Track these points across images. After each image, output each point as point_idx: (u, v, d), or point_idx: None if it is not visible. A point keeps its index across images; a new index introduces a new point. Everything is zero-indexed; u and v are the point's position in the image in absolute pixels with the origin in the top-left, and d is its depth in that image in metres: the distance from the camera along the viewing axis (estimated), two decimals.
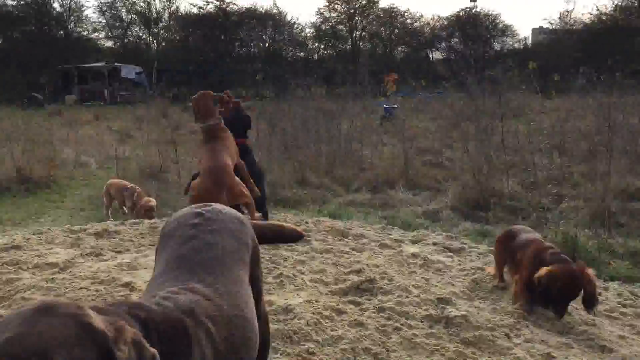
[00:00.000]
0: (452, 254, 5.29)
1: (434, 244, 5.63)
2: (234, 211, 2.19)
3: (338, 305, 3.62)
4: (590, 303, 3.67)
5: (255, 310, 1.81)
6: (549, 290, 3.60)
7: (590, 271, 3.77)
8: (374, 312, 3.57)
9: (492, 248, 4.95)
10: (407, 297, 3.79)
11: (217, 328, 1.48)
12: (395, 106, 18.20)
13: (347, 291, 3.95)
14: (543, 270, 3.66)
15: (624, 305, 4.30)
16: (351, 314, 3.53)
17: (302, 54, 44.07)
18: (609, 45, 31.29)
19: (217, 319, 1.51)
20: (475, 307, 3.89)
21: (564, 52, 34.12)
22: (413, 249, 5.33)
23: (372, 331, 3.31)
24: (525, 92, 15.34)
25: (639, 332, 3.79)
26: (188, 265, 1.70)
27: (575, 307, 4.02)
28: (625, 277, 5.74)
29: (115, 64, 36.45)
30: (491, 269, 4.54)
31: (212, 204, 2.18)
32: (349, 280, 4.08)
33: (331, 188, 10.07)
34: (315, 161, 11.56)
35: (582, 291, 3.63)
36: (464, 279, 4.47)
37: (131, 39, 46.01)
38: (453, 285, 4.29)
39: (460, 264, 4.92)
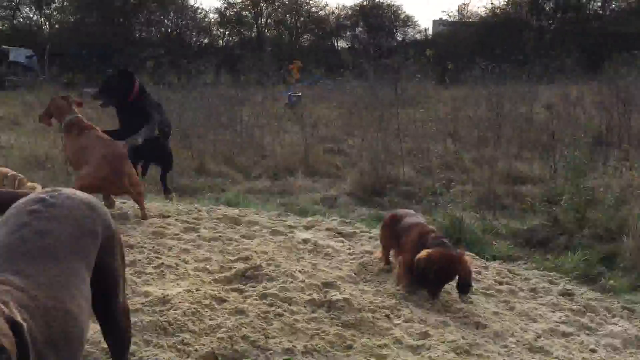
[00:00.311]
0: (343, 239, 5.32)
1: (327, 229, 5.64)
2: (85, 196, 2.02)
3: (219, 293, 3.52)
4: (463, 288, 3.81)
5: (84, 304, 1.67)
6: (426, 272, 3.68)
7: (468, 258, 3.91)
8: (257, 299, 3.50)
9: None
10: (291, 282, 3.75)
11: (32, 320, 1.35)
12: (299, 94, 18.20)
13: (232, 279, 3.85)
14: (422, 253, 3.74)
15: (501, 283, 4.50)
16: (233, 302, 3.44)
17: (206, 40, 43.07)
18: (502, 38, 33.02)
19: (31, 310, 1.38)
20: (360, 289, 3.91)
21: (461, 43, 35.53)
22: (305, 234, 5.31)
23: (253, 318, 3.23)
24: (423, 81, 15.85)
25: (511, 307, 3.97)
26: (9, 255, 1.55)
27: (453, 285, 4.16)
28: (506, 256, 6.03)
29: (3, 46, 33.93)
30: (379, 253, 4.60)
31: (61, 188, 2.02)
32: (235, 268, 3.98)
33: (231, 176, 9.89)
34: (215, 149, 11.33)
35: (457, 276, 3.75)
36: (351, 263, 4.50)
37: (21, 20, 43.00)
38: (340, 269, 4.30)
39: (350, 248, 4.95)
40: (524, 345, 3.34)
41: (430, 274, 3.69)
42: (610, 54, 16.45)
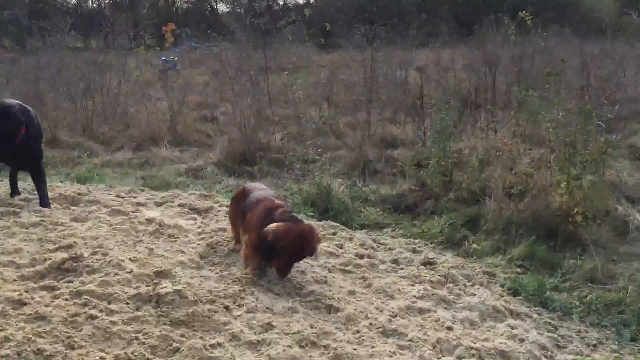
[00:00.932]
0: (196, 216, 4.78)
1: (180, 205, 5.07)
2: None
3: (21, 295, 2.87)
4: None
5: None
6: (274, 248, 3.26)
7: (316, 231, 3.53)
8: (68, 299, 2.89)
9: None
10: (116, 275, 3.17)
11: None
12: (175, 59, 17.10)
13: (44, 274, 3.20)
14: (270, 227, 3.30)
15: (362, 257, 4.18)
16: (35, 304, 2.81)
17: (74, 1, 39.68)
18: (381, 3, 33.21)
19: None
20: (201, 276, 3.41)
21: (343, 8, 35.36)
22: (152, 213, 4.71)
23: (57, 324, 2.64)
24: (303, 46, 15.37)
25: (369, 284, 3.66)
26: None
27: (310, 264, 3.77)
28: (375, 224, 5.78)
29: None
30: (230, 231, 4.11)
31: None
32: (50, 259, 3.32)
33: (88, 148, 8.91)
34: (75, 118, 10.23)
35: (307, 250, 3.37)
36: (198, 244, 3.98)
37: None
38: (183, 252, 3.77)
39: (201, 227, 4.43)
40: (377, 329, 3.02)
41: (278, 249, 3.26)
42: (481, 18, 16.81)
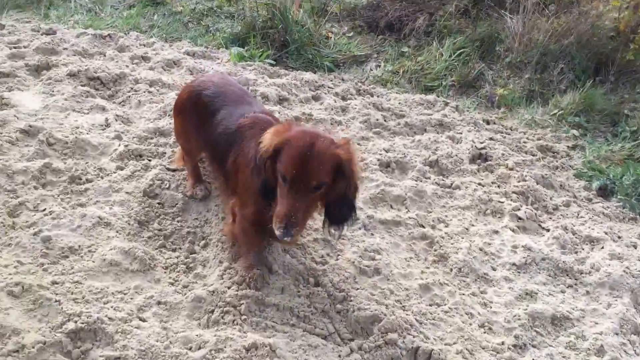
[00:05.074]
0: (103, 103, 2.88)
1: (71, 74, 3.07)
2: None
3: None
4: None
5: None
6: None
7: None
8: None
9: None
10: None
11: None
12: None
13: None
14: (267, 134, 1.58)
15: (387, 164, 2.63)
16: None
17: None
18: None
19: None
20: (138, 289, 1.80)
21: None
22: (27, 100, 2.75)
23: None
24: None
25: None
26: None
27: None
28: (352, 57, 4.06)
29: None
30: (179, 155, 2.34)
31: None
32: None
33: None
34: None
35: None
36: (127, 194, 2.24)
37: None
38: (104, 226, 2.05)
39: (118, 137, 2.60)
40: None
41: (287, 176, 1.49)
42: None
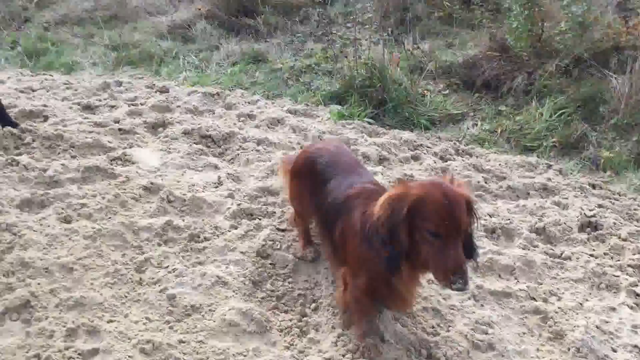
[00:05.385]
0: (215, 161, 3.04)
1: (186, 132, 3.28)
2: None
3: None
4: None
5: None
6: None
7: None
8: None
9: None
10: None
11: None
12: None
13: None
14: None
15: (493, 230, 2.60)
16: None
17: None
18: None
19: None
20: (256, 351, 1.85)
21: None
22: (148, 159, 2.96)
23: None
24: None
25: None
26: None
27: None
28: (447, 116, 4.08)
29: None
30: (291, 217, 2.43)
31: None
32: None
33: None
34: None
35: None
36: (242, 254, 2.34)
37: None
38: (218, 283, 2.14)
39: (228, 191, 2.73)
40: None
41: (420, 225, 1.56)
42: None
